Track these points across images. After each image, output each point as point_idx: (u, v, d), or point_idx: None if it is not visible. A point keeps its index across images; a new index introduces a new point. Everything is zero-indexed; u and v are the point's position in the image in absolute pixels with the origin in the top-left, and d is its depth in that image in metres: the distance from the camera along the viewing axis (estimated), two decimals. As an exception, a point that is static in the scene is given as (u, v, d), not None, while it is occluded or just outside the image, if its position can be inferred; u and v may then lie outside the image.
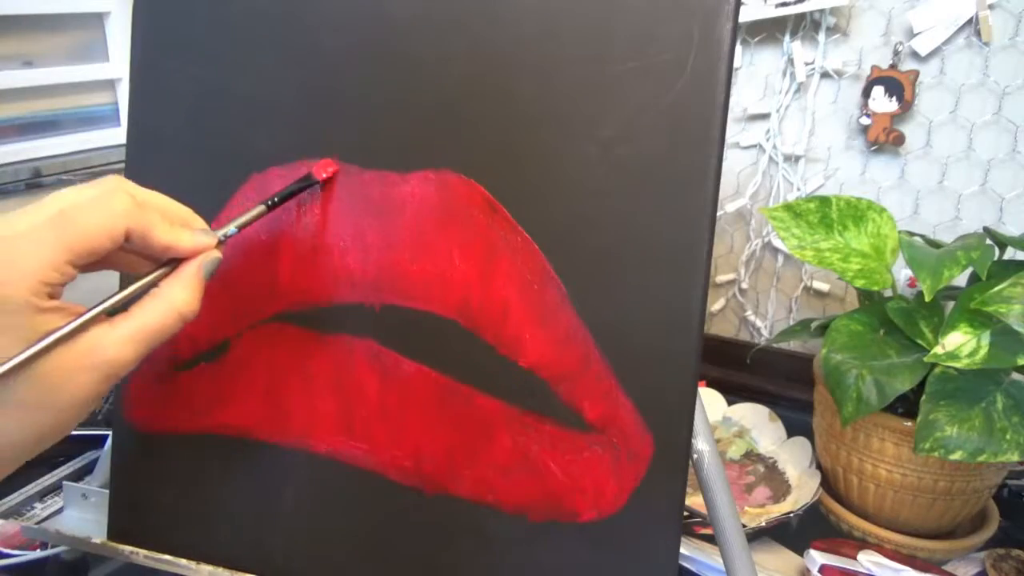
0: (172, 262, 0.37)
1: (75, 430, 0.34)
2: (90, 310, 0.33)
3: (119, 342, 0.33)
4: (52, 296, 0.32)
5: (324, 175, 0.44)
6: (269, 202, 0.42)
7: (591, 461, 0.42)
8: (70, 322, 0.32)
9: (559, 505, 0.42)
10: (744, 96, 0.85)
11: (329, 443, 0.46)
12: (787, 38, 0.81)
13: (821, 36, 0.80)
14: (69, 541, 0.52)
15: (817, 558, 0.57)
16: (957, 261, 0.56)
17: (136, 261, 0.37)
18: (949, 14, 0.74)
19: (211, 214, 0.46)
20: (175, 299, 0.35)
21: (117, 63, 0.87)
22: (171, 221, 0.36)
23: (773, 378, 0.86)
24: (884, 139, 0.79)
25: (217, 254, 0.38)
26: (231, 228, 0.39)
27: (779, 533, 0.63)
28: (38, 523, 0.55)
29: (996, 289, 0.52)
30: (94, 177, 0.35)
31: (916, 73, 0.76)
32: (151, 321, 0.34)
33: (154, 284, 0.36)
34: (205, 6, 0.46)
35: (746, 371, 0.86)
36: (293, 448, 0.46)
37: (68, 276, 0.32)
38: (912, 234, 0.65)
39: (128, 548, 0.49)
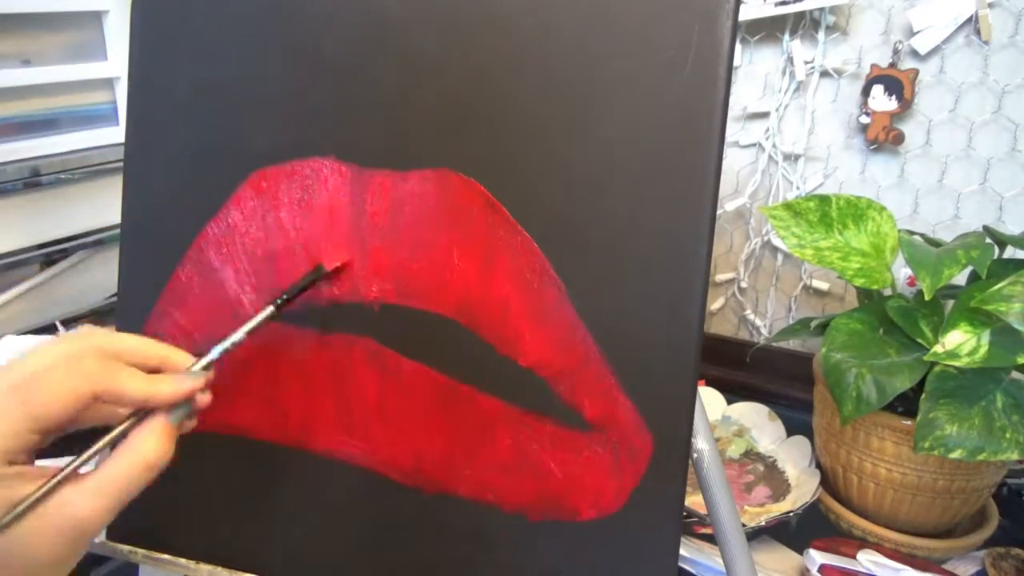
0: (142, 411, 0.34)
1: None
2: (57, 474, 0.31)
3: (87, 501, 0.32)
4: (13, 462, 0.31)
5: (335, 264, 0.43)
6: (278, 301, 0.41)
7: (591, 460, 0.42)
8: (39, 488, 0.31)
9: (559, 504, 0.42)
10: (744, 95, 0.85)
11: (328, 442, 0.46)
12: (787, 37, 0.81)
13: (821, 35, 0.80)
14: (68, 541, 0.52)
15: (817, 557, 0.57)
16: (957, 260, 0.56)
17: (115, 413, 0.35)
18: (949, 13, 0.74)
19: (210, 214, 0.46)
20: (144, 450, 0.33)
21: (116, 62, 0.86)
22: (147, 365, 0.34)
23: (772, 377, 0.86)
24: (884, 138, 0.79)
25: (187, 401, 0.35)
26: (215, 353, 0.37)
27: (779, 532, 0.63)
28: (37, 523, 0.55)
29: (996, 288, 0.52)
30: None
31: (916, 72, 0.76)
32: (120, 476, 0.32)
33: (123, 436, 0.34)
34: (204, 5, 0.46)
35: (745, 370, 0.86)
36: (292, 448, 0.46)
37: (31, 442, 0.31)
38: (912, 233, 0.65)
39: (128, 548, 0.49)
